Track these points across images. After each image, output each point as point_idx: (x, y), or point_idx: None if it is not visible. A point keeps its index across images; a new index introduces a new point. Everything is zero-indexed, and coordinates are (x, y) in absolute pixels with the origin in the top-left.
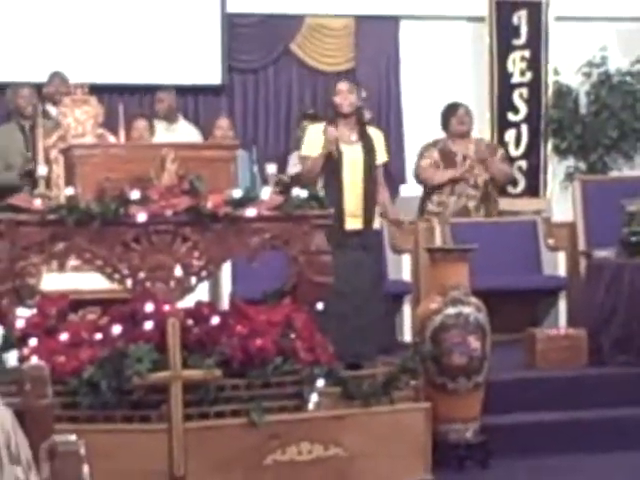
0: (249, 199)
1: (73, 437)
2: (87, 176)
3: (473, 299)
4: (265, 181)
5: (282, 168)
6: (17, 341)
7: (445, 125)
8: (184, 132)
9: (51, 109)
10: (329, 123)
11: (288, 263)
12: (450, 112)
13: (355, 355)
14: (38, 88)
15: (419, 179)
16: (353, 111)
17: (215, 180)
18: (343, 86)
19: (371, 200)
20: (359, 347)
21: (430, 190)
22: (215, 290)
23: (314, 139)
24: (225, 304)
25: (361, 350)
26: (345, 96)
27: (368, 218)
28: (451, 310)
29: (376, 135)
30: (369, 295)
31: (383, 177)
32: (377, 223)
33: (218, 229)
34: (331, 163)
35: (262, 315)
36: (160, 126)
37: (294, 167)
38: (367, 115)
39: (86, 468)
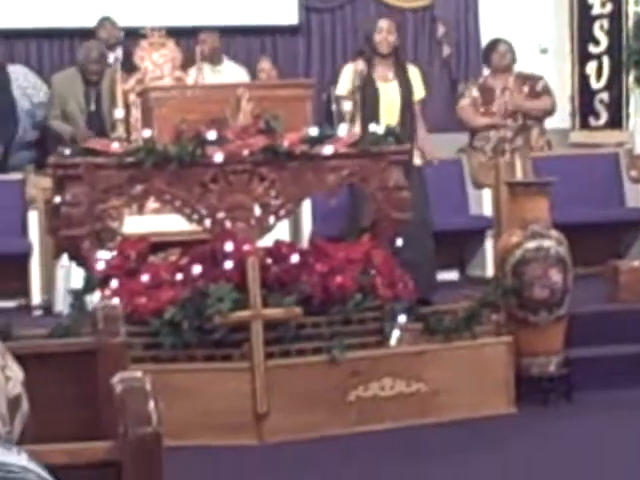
0: (326, 136)
1: (139, 373)
2: (164, 118)
3: (554, 232)
4: (342, 118)
5: None
6: (99, 283)
7: (487, 61)
8: (230, 73)
9: (109, 57)
10: (365, 60)
11: (366, 200)
12: (491, 48)
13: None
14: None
15: (460, 118)
16: (391, 51)
17: (291, 118)
18: (384, 24)
19: (409, 137)
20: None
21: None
22: (295, 229)
23: (346, 78)
24: (305, 243)
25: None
26: (385, 35)
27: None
28: (532, 244)
29: (414, 72)
30: (417, 231)
31: (422, 113)
32: (417, 158)
33: (295, 167)
34: (369, 100)
35: (341, 252)
36: (205, 68)
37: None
38: (445, 51)
39: (152, 404)
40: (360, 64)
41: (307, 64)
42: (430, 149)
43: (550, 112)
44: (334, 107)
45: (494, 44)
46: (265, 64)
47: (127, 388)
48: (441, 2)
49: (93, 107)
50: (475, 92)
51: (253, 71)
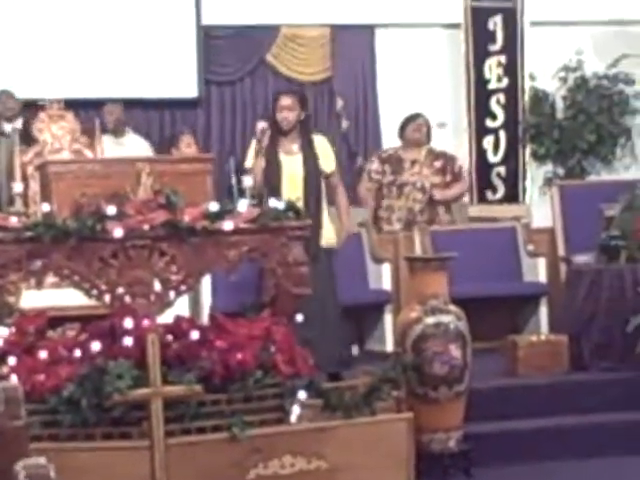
0: (226, 212)
1: (42, 460)
2: (63, 192)
3: (453, 307)
4: (242, 193)
5: None
6: None
7: (401, 133)
8: (133, 145)
9: (5, 126)
10: (270, 135)
11: (266, 275)
12: (409, 120)
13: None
14: None
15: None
16: (292, 127)
17: (191, 193)
18: (284, 102)
19: (314, 212)
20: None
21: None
22: (195, 304)
23: (251, 150)
24: (205, 318)
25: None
26: (285, 114)
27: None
28: (431, 319)
29: (322, 144)
30: (321, 306)
31: (341, 184)
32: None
33: (196, 243)
34: (272, 174)
35: (242, 329)
36: (108, 140)
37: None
38: (344, 125)
39: None
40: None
41: (206, 137)
42: (348, 224)
43: (464, 195)
44: (233, 180)
45: (412, 117)
46: (187, 138)
47: (31, 476)
48: (340, 76)
49: None
50: (376, 165)
51: (154, 144)
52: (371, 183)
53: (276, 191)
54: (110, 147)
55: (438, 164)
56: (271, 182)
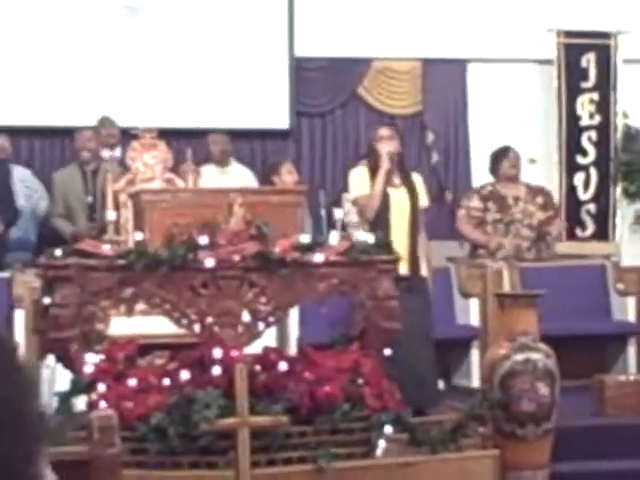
0: (317, 244)
1: None
2: (156, 221)
3: (542, 345)
4: (332, 225)
5: None
6: (86, 386)
7: (495, 169)
8: (238, 175)
9: (104, 152)
10: (370, 168)
11: (355, 308)
12: (502, 155)
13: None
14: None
15: (457, 228)
16: (394, 157)
17: (283, 225)
18: (384, 132)
19: (416, 244)
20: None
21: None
22: (282, 334)
23: (359, 180)
24: (292, 349)
25: (414, 397)
26: (385, 143)
27: (414, 262)
28: (520, 356)
29: (417, 180)
30: (419, 341)
31: (424, 222)
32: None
33: (285, 274)
34: (380, 206)
35: (330, 361)
36: (213, 169)
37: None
38: (434, 158)
39: None
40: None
41: (297, 168)
42: (428, 262)
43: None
44: (323, 213)
45: (504, 151)
46: (288, 166)
47: None
48: (431, 109)
49: (91, 199)
50: (476, 202)
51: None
52: (472, 220)
53: (385, 223)
54: (214, 176)
55: (540, 200)
56: (379, 214)
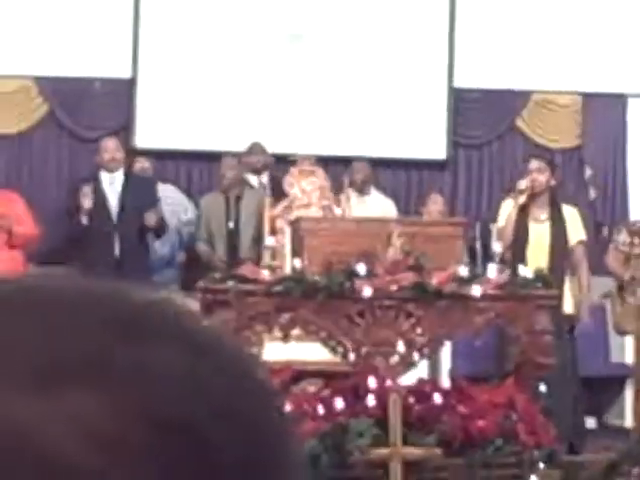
0: (474, 276)
1: None
2: (314, 248)
3: None
4: (490, 258)
5: None
6: None
7: None
8: (377, 204)
9: (251, 178)
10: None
11: (510, 342)
12: None
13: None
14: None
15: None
16: (541, 193)
17: (441, 256)
18: (533, 166)
19: (557, 281)
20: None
21: None
22: (434, 365)
23: (504, 212)
24: (444, 380)
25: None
26: (534, 177)
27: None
28: None
29: (572, 214)
30: (563, 377)
31: (586, 257)
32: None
33: (442, 306)
34: (517, 240)
35: (484, 395)
36: (353, 197)
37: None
38: (592, 194)
39: None
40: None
41: (452, 199)
42: (588, 299)
43: None
44: (479, 245)
45: None
46: (436, 198)
47: None
48: (590, 144)
49: (232, 225)
50: (624, 235)
51: (400, 204)
52: (618, 254)
53: (521, 257)
54: (354, 204)
55: None
56: (517, 248)
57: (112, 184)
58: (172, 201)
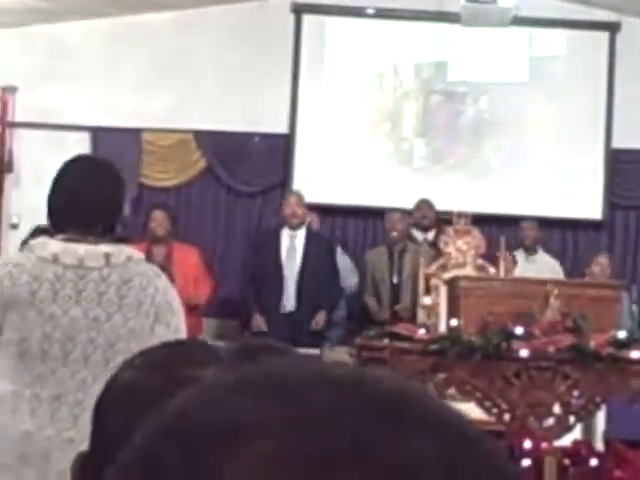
0: (633, 340)
1: None
2: (470, 308)
3: None
4: None
5: None
6: None
7: None
8: (544, 264)
9: (417, 234)
10: None
11: None
12: None
13: None
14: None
15: None
16: None
17: (599, 319)
18: None
19: None
20: None
21: None
22: (587, 427)
23: None
24: (598, 443)
25: None
26: None
27: None
28: None
29: None
30: None
31: None
32: None
33: (600, 369)
34: None
35: None
36: (521, 256)
37: None
38: None
39: None
40: None
41: (610, 261)
42: None
43: None
44: (634, 308)
45: None
46: (603, 259)
47: None
48: None
49: (396, 279)
50: None
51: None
52: None
53: None
54: (521, 264)
55: None
56: None
57: (293, 239)
58: (342, 265)
